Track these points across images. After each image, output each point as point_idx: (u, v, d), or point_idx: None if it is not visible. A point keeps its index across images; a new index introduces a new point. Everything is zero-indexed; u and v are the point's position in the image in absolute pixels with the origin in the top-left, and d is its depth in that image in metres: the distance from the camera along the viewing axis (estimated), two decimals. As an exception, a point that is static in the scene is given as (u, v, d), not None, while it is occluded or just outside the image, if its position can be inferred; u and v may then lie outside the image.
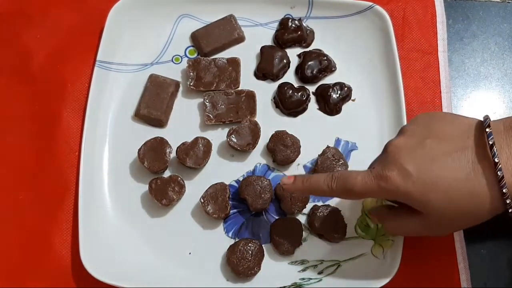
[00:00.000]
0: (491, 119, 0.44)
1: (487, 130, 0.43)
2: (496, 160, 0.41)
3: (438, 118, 0.47)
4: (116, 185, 0.58)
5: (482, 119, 0.44)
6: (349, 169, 0.58)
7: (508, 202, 0.42)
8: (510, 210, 0.42)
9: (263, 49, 0.62)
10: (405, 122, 0.57)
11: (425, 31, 0.64)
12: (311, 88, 0.62)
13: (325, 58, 0.61)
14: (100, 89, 0.60)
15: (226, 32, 0.63)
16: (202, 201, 0.55)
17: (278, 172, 0.59)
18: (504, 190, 0.41)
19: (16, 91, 0.62)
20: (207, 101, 0.59)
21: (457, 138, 0.44)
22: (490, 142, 0.42)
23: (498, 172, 0.41)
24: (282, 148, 0.57)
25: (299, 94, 0.60)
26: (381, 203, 0.56)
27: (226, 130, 0.58)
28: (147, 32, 0.63)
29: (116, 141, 0.60)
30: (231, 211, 0.57)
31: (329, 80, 0.62)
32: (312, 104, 0.61)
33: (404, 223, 0.48)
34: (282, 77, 0.62)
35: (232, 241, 0.55)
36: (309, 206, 0.57)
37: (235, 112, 0.59)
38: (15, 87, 0.63)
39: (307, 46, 0.63)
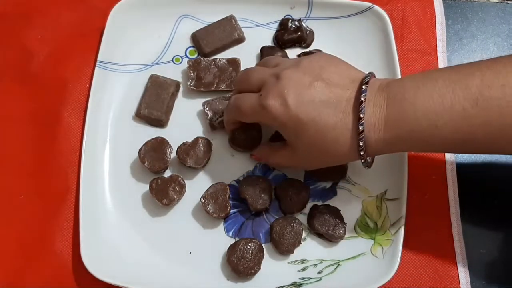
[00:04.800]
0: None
1: (363, 86, 0.46)
2: (361, 115, 0.45)
3: (334, 64, 0.50)
4: (116, 185, 0.58)
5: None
6: (349, 169, 0.58)
7: (362, 154, 0.47)
8: (362, 161, 0.48)
9: (263, 49, 0.63)
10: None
11: (424, 31, 0.64)
12: (311, 88, 0.62)
13: (325, 58, 0.62)
14: (100, 89, 0.60)
15: (226, 32, 0.63)
16: (203, 200, 0.55)
17: (278, 172, 0.59)
18: (361, 143, 0.46)
19: (16, 91, 0.62)
20: (207, 109, 0.59)
21: (340, 88, 0.47)
22: (362, 99, 0.45)
23: (360, 126, 0.45)
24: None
25: (299, 94, 0.60)
26: (380, 203, 0.57)
27: (226, 130, 0.59)
28: (147, 32, 0.63)
29: (117, 141, 0.60)
30: (231, 211, 0.57)
31: (328, 80, 0.62)
32: (312, 104, 0.61)
33: (277, 155, 0.54)
34: (282, 77, 0.62)
35: (232, 241, 0.55)
36: (309, 206, 0.57)
37: (237, 114, 0.59)
38: (15, 87, 0.63)
39: (307, 47, 0.64)
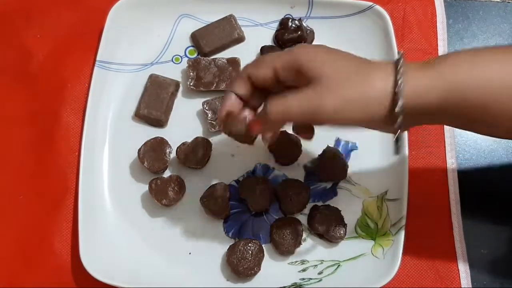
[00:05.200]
0: None
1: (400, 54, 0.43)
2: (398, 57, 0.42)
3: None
4: (116, 185, 0.58)
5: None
6: (349, 169, 0.57)
7: (396, 91, 0.41)
8: (396, 109, 0.41)
9: (263, 49, 0.62)
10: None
11: (425, 31, 0.64)
12: (311, 88, 0.62)
13: (325, 58, 0.61)
14: (100, 89, 0.60)
15: (226, 32, 0.63)
16: (202, 201, 0.55)
17: (278, 172, 0.59)
18: (399, 81, 0.41)
19: (16, 91, 0.62)
20: (206, 108, 0.59)
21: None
22: (398, 57, 0.43)
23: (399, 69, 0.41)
24: (283, 148, 0.57)
25: (299, 94, 0.60)
26: (381, 204, 0.56)
27: (226, 130, 0.59)
28: (147, 32, 0.63)
29: (116, 141, 0.60)
30: (231, 211, 0.57)
31: (329, 80, 0.62)
32: (312, 104, 0.61)
33: (295, 98, 0.44)
34: (282, 77, 0.62)
35: (232, 241, 0.55)
36: (309, 206, 0.56)
37: (237, 113, 0.59)
38: (15, 87, 0.63)
39: (307, 46, 0.63)
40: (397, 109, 0.41)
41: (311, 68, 0.43)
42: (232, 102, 0.47)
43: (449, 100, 0.41)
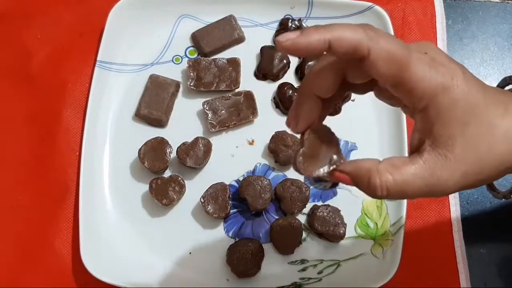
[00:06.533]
0: None
1: None
2: None
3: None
4: (116, 185, 0.58)
5: None
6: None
7: None
8: None
9: (263, 49, 0.63)
10: (404, 122, 0.57)
11: (425, 31, 0.64)
12: (311, 88, 0.62)
13: (325, 58, 0.61)
14: (100, 89, 0.60)
15: (226, 32, 0.63)
16: (202, 201, 0.55)
17: (278, 172, 0.59)
18: None
19: (16, 91, 0.62)
20: (207, 109, 0.59)
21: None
22: None
23: None
24: (284, 149, 0.57)
25: (299, 94, 0.60)
26: (381, 203, 0.56)
27: (227, 130, 0.59)
28: (147, 32, 0.63)
29: (117, 141, 0.60)
30: (231, 211, 0.57)
31: (329, 80, 0.62)
32: (312, 104, 0.61)
33: (403, 171, 0.33)
34: (282, 77, 0.62)
35: (232, 241, 0.55)
36: (309, 206, 0.57)
37: (237, 114, 0.59)
38: (15, 87, 0.63)
39: (307, 46, 0.63)
40: None
41: (440, 130, 0.32)
42: (310, 109, 0.35)
43: None
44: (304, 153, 0.34)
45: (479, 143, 0.32)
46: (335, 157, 0.35)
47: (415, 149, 0.34)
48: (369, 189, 0.34)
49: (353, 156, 0.59)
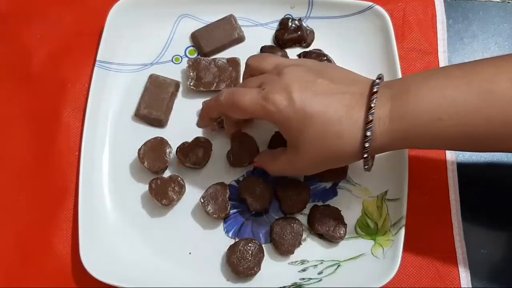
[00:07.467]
0: None
1: (377, 80, 0.47)
2: (372, 104, 0.45)
3: (333, 67, 0.54)
4: (116, 185, 0.58)
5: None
6: (349, 169, 0.57)
7: (366, 146, 0.45)
8: (365, 155, 0.46)
9: (263, 49, 0.62)
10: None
11: (425, 31, 0.64)
12: (311, 88, 0.62)
13: (325, 58, 0.61)
14: (100, 89, 0.60)
15: (226, 32, 0.63)
16: (202, 201, 0.55)
17: (278, 172, 0.59)
18: (368, 133, 0.45)
19: (16, 91, 0.62)
20: None
21: (344, 85, 0.47)
22: (375, 90, 0.45)
23: (370, 116, 0.44)
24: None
25: (299, 94, 0.60)
26: (381, 204, 0.56)
27: (226, 130, 0.59)
28: (147, 32, 0.63)
29: (116, 141, 0.60)
30: (231, 211, 0.57)
31: (329, 80, 0.62)
32: (312, 104, 0.61)
33: (278, 161, 0.52)
34: (282, 77, 0.62)
35: (232, 241, 0.55)
36: (309, 206, 0.56)
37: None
38: (15, 87, 0.63)
39: (307, 46, 0.63)
40: (367, 149, 0.46)
41: (287, 137, 0.49)
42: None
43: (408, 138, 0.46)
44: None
45: (316, 142, 0.47)
46: None
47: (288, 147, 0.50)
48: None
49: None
